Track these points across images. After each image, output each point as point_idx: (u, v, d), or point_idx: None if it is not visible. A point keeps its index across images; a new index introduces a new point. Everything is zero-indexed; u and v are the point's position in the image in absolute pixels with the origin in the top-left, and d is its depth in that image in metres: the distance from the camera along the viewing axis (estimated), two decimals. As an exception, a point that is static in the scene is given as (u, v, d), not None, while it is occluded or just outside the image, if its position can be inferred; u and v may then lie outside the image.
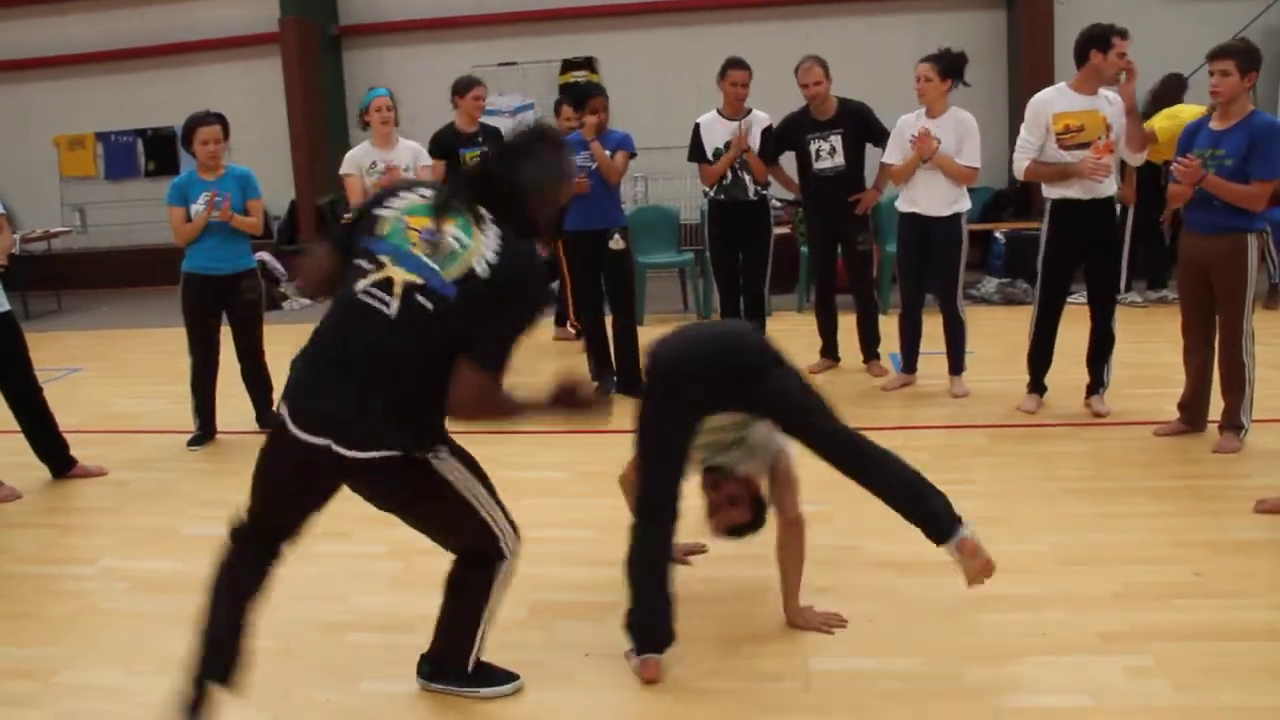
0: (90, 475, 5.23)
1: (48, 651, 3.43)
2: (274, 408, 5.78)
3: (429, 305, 2.49)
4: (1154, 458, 4.73)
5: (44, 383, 5.15)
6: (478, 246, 2.53)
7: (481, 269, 2.50)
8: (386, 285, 2.51)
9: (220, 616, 2.75)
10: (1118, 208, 5.32)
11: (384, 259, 2.55)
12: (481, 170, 2.72)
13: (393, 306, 2.50)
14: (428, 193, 2.66)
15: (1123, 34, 5.11)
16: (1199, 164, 4.57)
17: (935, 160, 5.68)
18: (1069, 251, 5.29)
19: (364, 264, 2.57)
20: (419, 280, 2.50)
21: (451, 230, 2.55)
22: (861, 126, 6.30)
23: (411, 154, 6.18)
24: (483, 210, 2.59)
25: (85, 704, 3.12)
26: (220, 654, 2.73)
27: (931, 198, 5.78)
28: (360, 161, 6.10)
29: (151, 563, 4.15)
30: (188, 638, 2.91)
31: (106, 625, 3.62)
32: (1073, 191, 5.17)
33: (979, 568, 3.03)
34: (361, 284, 2.54)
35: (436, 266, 2.51)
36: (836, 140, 6.27)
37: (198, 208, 5.50)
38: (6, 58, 12.29)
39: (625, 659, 3.13)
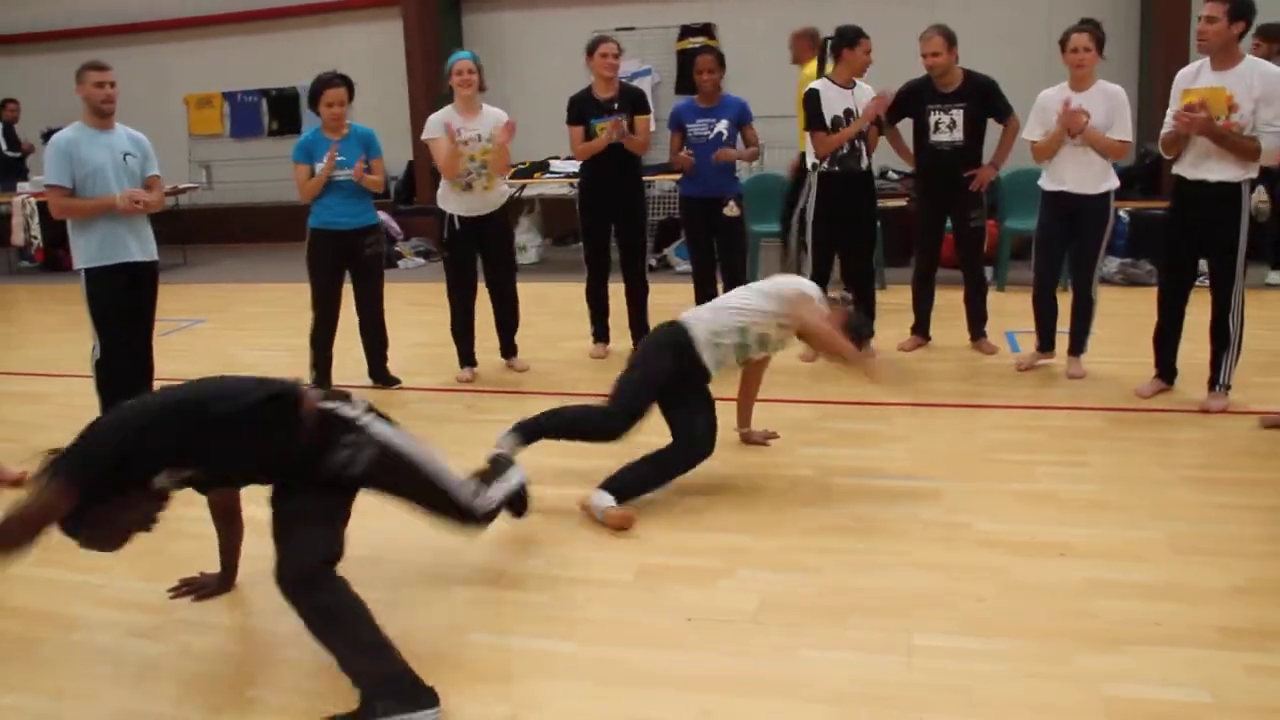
0: None
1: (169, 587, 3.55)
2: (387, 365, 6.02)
3: None
4: (1279, 449, 4.53)
5: (168, 332, 5.33)
6: None
7: None
8: None
9: None
10: (1248, 195, 4.98)
11: None
12: None
13: None
14: None
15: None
16: None
17: (1085, 135, 5.45)
18: (1184, 233, 5.08)
19: None
20: None
21: None
22: (985, 102, 6.09)
23: (493, 120, 5.96)
24: None
25: (203, 639, 3.25)
26: None
27: (1081, 176, 5.55)
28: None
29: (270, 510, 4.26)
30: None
31: (226, 566, 3.73)
32: (1184, 169, 4.96)
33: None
34: None
35: None
36: (958, 114, 6.07)
37: (321, 165, 5.65)
38: (147, 19, 12.75)
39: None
